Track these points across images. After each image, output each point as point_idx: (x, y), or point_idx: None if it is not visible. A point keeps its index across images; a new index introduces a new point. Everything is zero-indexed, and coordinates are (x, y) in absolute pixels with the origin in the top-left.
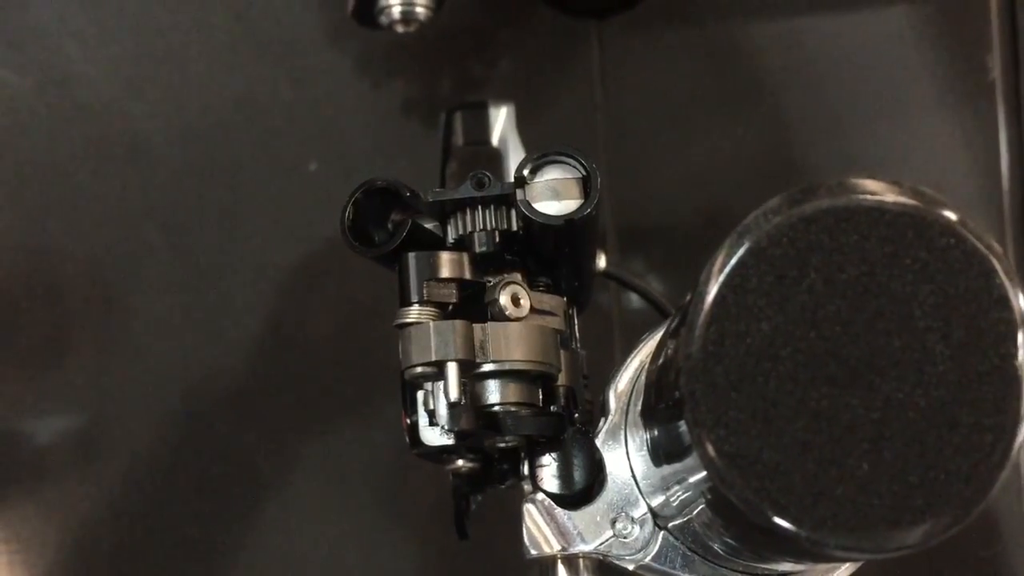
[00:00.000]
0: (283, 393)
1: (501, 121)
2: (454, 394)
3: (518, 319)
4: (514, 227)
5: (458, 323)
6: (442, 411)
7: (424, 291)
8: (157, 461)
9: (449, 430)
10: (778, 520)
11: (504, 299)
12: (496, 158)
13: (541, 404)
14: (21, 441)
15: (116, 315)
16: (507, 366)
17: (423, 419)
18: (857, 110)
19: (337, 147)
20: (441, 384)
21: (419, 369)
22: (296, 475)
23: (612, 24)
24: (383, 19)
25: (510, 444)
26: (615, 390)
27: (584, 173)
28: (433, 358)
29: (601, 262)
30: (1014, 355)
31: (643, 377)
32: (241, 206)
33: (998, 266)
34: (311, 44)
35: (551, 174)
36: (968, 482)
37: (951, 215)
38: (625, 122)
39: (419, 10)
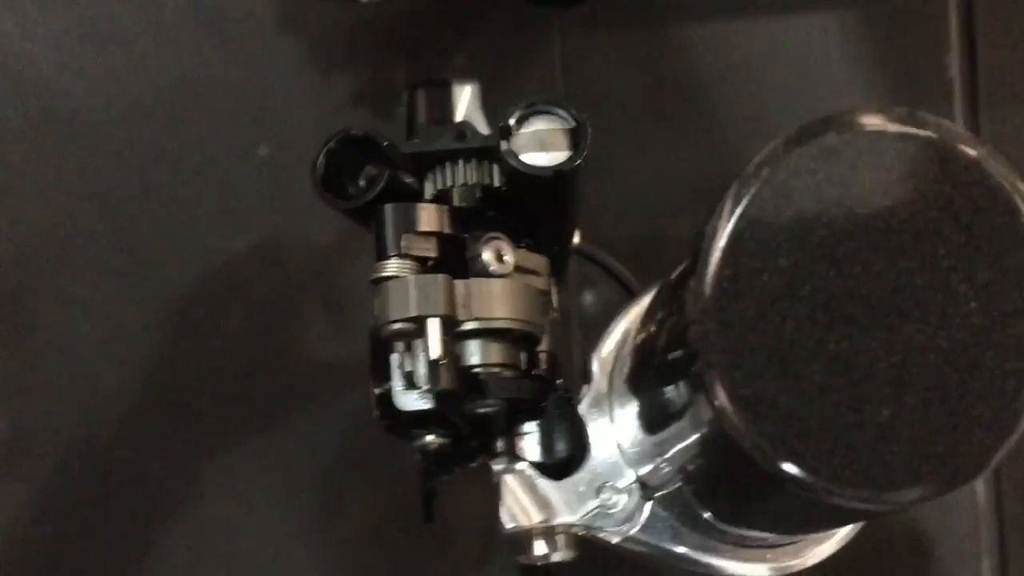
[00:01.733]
0: (225, 386)
1: (465, 99)
2: (436, 351)
3: (502, 275)
4: (496, 183)
5: (440, 277)
6: (421, 371)
7: (402, 244)
8: (90, 458)
9: (429, 391)
10: (793, 469)
11: (488, 255)
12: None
13: (524, 368)
14: None
15: (51, 302)
16: (490, 324)
17: (398, 383)
18: (817, 106)
19: (289, 132)
20: (419, 343)
21: (398, 325)
22: (238, 472)
23: (573, 15)
24: None
25: (491, 409)
26: (599, 357)
27: (574, 124)
28: (413, 313)
29: (575, 238)
30: None
31: (629, 343)
32: (186, 191)
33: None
34: (263, 24)
35: (537, 125)
36: (989, 429)
37: (975, 150)
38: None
39: None
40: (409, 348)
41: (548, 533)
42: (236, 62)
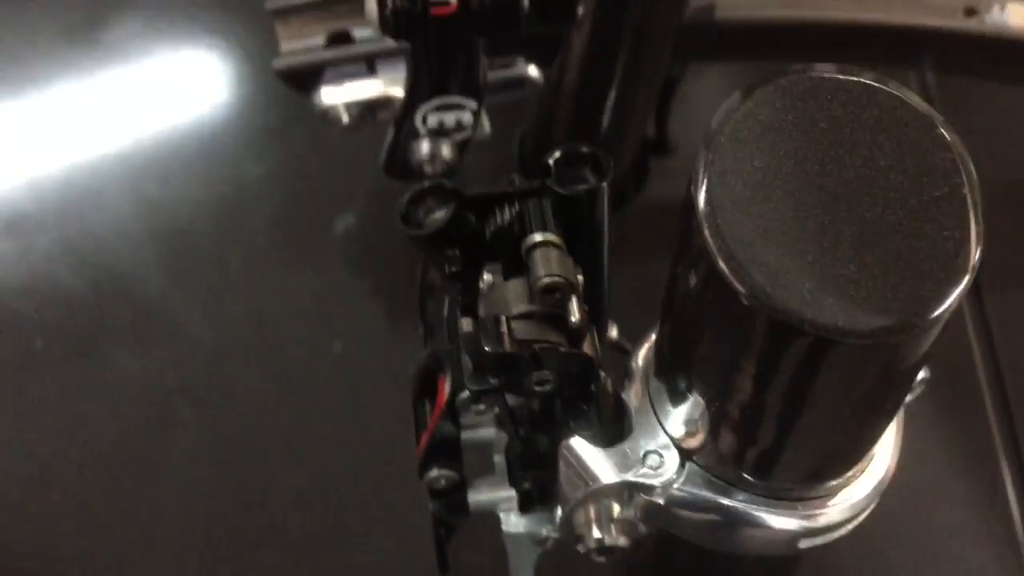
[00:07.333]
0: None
1: None
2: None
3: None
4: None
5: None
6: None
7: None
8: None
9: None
10: (783, 308)
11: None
12: None
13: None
14: None
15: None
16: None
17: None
18: None
19: (361, 329)
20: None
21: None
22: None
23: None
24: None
25: (546, 385)
26: (636, 360)
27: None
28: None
29: (613, 332)
30: (961, 184)
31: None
32: (278, 382)
33: (937, 120)
34: (337, 244)
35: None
36: (938, 280)
37: (893, 88)
38: None
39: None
40: None
41: (604, 514)
42: (315, 280)
